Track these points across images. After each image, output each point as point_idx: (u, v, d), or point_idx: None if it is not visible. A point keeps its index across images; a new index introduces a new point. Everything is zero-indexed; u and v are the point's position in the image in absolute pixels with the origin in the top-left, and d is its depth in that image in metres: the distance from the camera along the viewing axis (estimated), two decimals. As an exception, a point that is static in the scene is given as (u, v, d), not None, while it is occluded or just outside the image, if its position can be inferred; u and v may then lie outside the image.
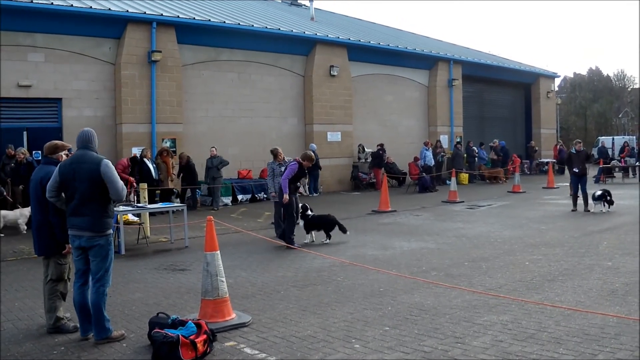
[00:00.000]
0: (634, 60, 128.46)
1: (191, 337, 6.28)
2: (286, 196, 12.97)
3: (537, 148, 38.91)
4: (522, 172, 32.58)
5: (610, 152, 40.23)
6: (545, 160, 36.92)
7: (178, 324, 6.64)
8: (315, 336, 6.81)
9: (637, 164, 33.13)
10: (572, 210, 18.17)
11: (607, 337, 6.48)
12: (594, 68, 74.07)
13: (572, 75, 74.25)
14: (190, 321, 6.64)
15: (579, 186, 18.23)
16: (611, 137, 49.07)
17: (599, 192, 17.85)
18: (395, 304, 8.04)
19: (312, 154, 13.69)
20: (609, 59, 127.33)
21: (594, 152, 38.94)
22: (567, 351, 6.11)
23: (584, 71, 74.12)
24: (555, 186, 26.53)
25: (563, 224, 15.87)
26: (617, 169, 33.17)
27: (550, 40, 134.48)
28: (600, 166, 30.96)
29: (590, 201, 17.92)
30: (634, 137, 52.42)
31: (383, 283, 9.26)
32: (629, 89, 74.45)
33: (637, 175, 31.65)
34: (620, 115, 72.02)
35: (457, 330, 6.87)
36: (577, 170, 18.15)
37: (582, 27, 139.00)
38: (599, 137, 44.85)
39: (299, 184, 14.41)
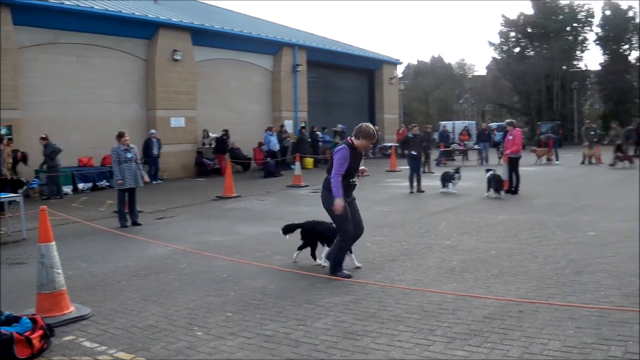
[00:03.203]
0: (474, 49, 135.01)
1: (26, 334, 5.95)
2: (339, 202, 8.44)
3: (380, 132, 39.92)
4: (366, 155, 33.26)
5: (451, 137, 41.87)
6: (389, 144, 37.92)
7: (12, 320, 6.27)
8: (157, 325, 6.65)
9: (477, 147, 34.68)
10: (410, 192, 18.83)
11: (444, 313, 6.74)
12: (436, 56, 76.85)
13: (415, 63, 76.74)
14: (25, 317, 6.29)
15: (415, 168, 19.01)
16: (452, 122, 51.09)
17: (450, 173, 18.69)
18: (238, 290, 8.00)
19: (372, 128, 8.96)
20: (451, 47, 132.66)
21: (436, 136, 40.35)
22: (407, 328, 6.30)
23: (427, 59, 76.76)
24: (398, 169, 27.30)
25: (405, 206, 16.42)
26: (457, 152, 34.65)
27: (395, 29, 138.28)
28: (442, 150, 32.24)
29: (449, 185, 18.74)
30: (474, 122, 54.90)
31: (227, 269, 9.19)
32: (469, 76, 77.77)
33: (481, 158, 32.94)
34: (461, 101, 75.23)
35: (299, 312, 6.92)
36: (415, 153, 18.90)
37: (426, 16, 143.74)
38: (441, 122, 46.58)
39: (355, 177, 8.96)
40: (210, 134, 27.66)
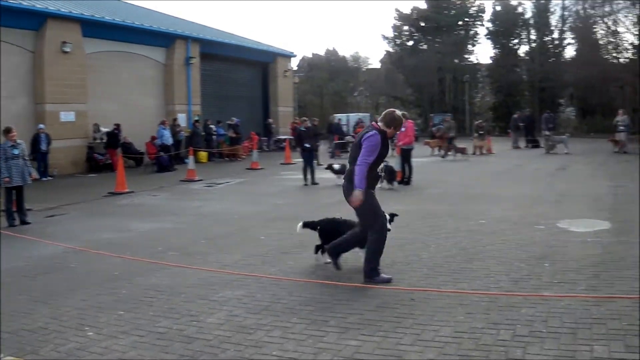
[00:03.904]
0: (368, 42, 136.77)
1: None
2: (359, 194, 7.62)
3: (274, 125, 40.02)
4: (260, 149, 33.35)
5: (345, 129, 42.17)
6: (283, 137, 38.00)
7: None
8: (46, 327, 6.48)
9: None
10: (304, 185, 19.00)
11: (338, 304, 6.84)
12: (331, 49, 77.21)
13: (310, 56, 76.94)
14: None
15: (309, 161, 19.18)
16: (346, 114, 51.53)
17: (337, 166, 18.75)
18: (130, 287, 7.89)
19: (399, 113, 8.27)
20: (346, 41, 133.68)
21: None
22: (300, 320, 6.37)
23: (321, 52, 77.03)
24: (292, 162, 27.41)
25: (298, 198, 16.56)
26: (351, 144, 35.02)
27: (290, 22, 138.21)
28: (335, 142, 32.58)
29: (332, 175, 18.77)
30: (368, 114, 55.58)
31: (118, 267, 9.03)
32: (363, 69, 78.56)
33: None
34: (355, 94, 75.90)
35: (192, 308, 6.89)
36: (308, 146, 19.08)
37: (321, 10, 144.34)
38: (335, 115, 46.92)
39: (379, 169, 8.40)
40: (102, 129, 26.98)
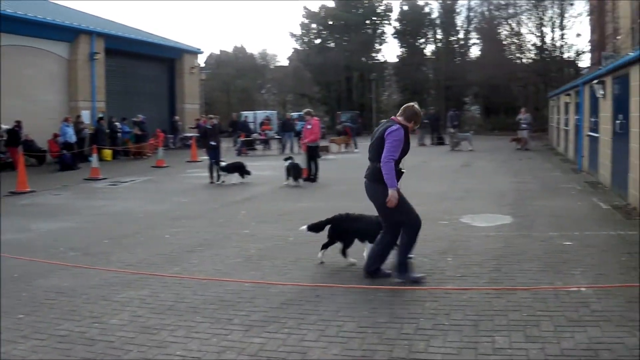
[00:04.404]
0: (276, 40, 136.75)
1: None
2: (394, 194, 7.35)
3: (181, 122, 39.62)
4: (167, 146, 33.00)
5: (252, 127, 42.11)
6: (189, 134, 37.64)
7: None
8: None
9: (277, 136, 35.31)
10: (210, 183, 18.93)
11: (242, 302, 6.87)
12: (239, 46, 76.84)
13: (218, 52, 76.32)
14: None
15: (215, 159, 19.15)
16: (254, 112, 51.45)
17: (224, 164, 18.86)
18: (31, 290, 7.68)
19: (418, 107, 7.81)
20: (254, 38, 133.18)
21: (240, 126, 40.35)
22: (204, 318, 6.36)
23: (229, 49, 76.57)
24: (198, 159, 27.21)
25: (204, 196, 16.49)
26: (258, 142, 35.08)
27: (198, 18, 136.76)
28: (242, 139, 32.52)
29: (220, 172, 18.82)
30: (275, 112, 55.64)
31: (18, 268, 8.75)
32: (271, 67, 78.51)
33: (283, 147, 33.43)
34: (263, 91, 75.80)
35: (94, 309, 6.79)
36: (214, 144, 19.03)
37: (229, 6, 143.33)
38: (242, 112, 46.76)
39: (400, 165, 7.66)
40: (2, 126, 26.15)
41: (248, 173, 18.87)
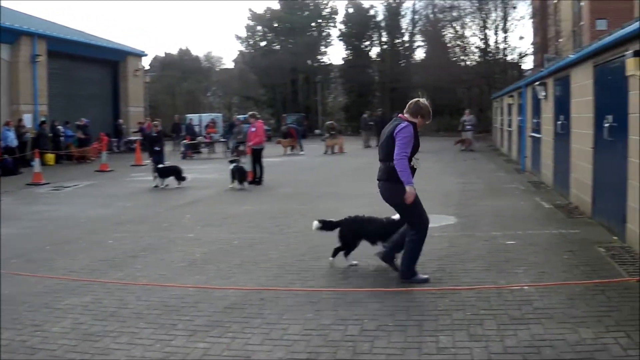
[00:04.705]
0: (221, 42, 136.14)
1: None
2: (411, 190, 7.33)
3: (125, 125, 39.19)
4: (110, 150, 32.63)
5: (197, 129, 41.89)
6: (134, 138, 37.22)
7: None
8: None
9: (223, 139, 35.19)
10: (155, 187, 18.79)
11: (186, 307, 6.83)
12: (184, 48, 76.24)
13: (163, 55, 75.56)
14: None
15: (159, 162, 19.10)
16: (199, 114, 51.16)
17: (162, 166, 18.86)
18: (-30, 299, 7.57)
19: (424, 101, 7.67)
20: (199, 40, 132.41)
21: (182, 129, 40.13)
22: (148, 324, 6.31)
23: (174, 51, 75.88)
24: (143, 163, 26.94)
25: (148, 200, 16.37)
26: (203, 145, 34.93)
27: (142, 20, 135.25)
28: (187, 142, 32.36)
29: (156, 175, 18.81)
30: (221, 114, 55.40)
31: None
32: (217, 69, 78.17)
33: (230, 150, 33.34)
34: (208, 94, 75.34)
35: (36, 318, 6.67)
36: (158, 149, 18.97)
37: (174, 7, 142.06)
38: (187, 115, 46.45)
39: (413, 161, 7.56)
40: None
41: (183, 179, 18.73)
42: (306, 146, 34.17)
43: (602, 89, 10.91)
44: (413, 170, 7.46)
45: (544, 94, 16.75)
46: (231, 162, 18.40)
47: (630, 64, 8.24)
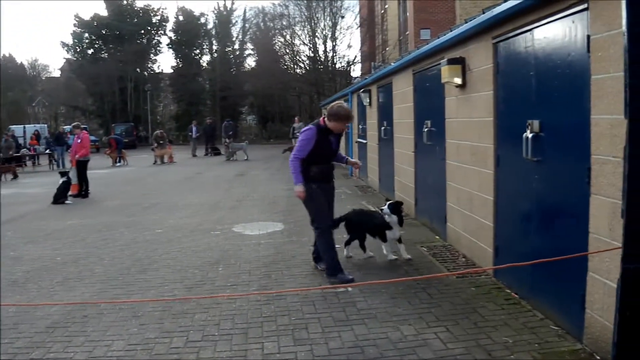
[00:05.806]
0: (47, 49, 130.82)
1: None
2: (299, 188, 7.67)
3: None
4: None
5: (22, 141, 40.05)
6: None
7: None
8: None
9: (48, 151, 33.83)
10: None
11: (5, 329, 6.43)
12: (7, 55, 72.72)
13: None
14: None
15: None
16: (23, 125, 48.88)
17: None
18: None
19: (345, 107, 7.80)
20: (23, 47, 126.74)
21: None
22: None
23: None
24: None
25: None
26: (27, 158, 33.44)
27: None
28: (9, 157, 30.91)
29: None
30: (46, 125, 53.28)
31: None
32: (43, 78, 75.20)
33: (54, 162, 32.13)
34: (34, 104, 72.25)
35: None
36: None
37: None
38: (10, 126, 44.29)
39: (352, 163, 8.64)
40: None
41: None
42: (136, 156, 33.57)
43: (422, 95, 11.41)
44: (327, 171, 7.85)
45: (368, 100, 17.28)
46: (62, 173, 17.62)
47: (445, 71, 8.67)
